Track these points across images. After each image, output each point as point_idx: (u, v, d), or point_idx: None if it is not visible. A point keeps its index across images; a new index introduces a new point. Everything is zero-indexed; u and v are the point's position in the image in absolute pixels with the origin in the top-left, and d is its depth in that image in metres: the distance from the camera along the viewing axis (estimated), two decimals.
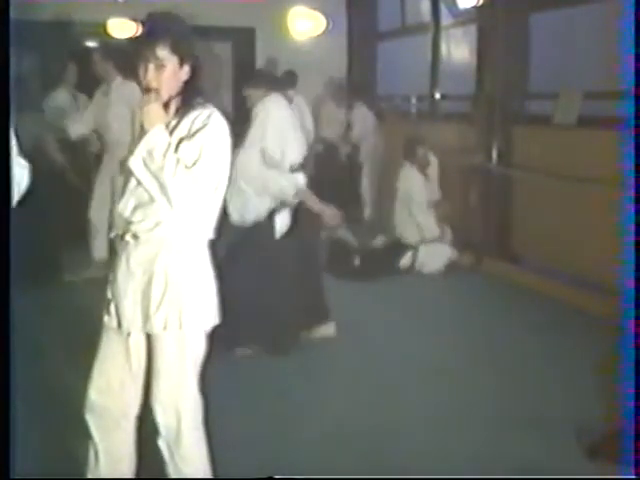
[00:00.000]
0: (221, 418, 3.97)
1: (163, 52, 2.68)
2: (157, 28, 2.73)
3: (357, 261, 7.30)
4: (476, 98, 7.94)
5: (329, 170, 9.95)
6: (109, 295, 2.84)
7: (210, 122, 2.70)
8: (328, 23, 10.45)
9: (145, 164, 2.64)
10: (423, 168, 7.57)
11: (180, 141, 2.69)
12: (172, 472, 2.87)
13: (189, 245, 2.77)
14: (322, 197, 10.27)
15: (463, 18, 8.37)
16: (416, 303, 6.41)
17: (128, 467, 2.97)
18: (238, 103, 10.13)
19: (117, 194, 2.89)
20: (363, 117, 9.69)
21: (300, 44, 10.44)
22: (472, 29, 8.10)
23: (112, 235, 2.87)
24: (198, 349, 2.83)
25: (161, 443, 2.85)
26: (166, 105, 2.73)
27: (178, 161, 2.62)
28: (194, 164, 2.64)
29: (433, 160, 7.67)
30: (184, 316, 2.74)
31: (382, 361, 5.01)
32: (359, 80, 10.02)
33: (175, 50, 2.70)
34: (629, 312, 3.18)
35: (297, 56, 10.23)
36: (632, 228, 3.29)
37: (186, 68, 2.74)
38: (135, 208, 2.76)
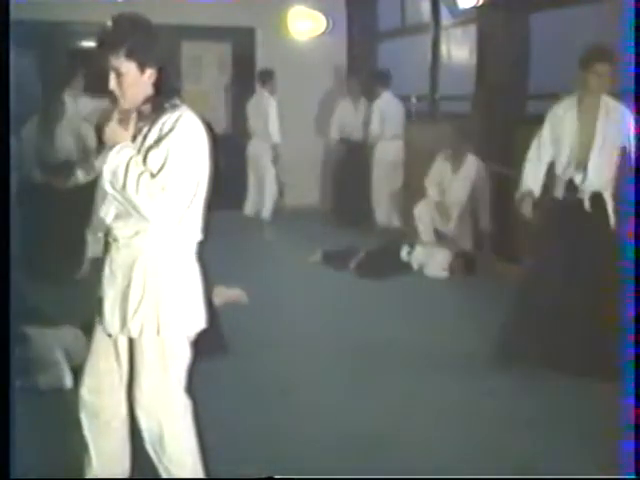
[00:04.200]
0: (221, 418, 3.98)
1: (118, 60, 2.62)
2: (109, 36, 2.67)
3: (356, 262, 7.32)
4: (476, 98, 7.94)
5: (338, 169, 9.87)
6: (99, 294, 2.83)
7: (177, 126, 2.64)
8: (328, 23, 10.45)
9: (112, 185, 2.62)
10: (455, 166, 7.51)
11: (148, 150, 2.64)
12: (163, 474, 2.87)
13: (171, 251, 2.74)
14: (334, 196, 10.09)
15: (463, 18, 8.37)
16: (416, 303, 6.41)
17: (121, 467, 2.96)
18: (238, 102, 10.20)
19: (100, 196, 2.86)
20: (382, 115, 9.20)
21: (300, 44, 10.45)
22: (472, 29, 8.09)
23: (99, 235, 2.85)
24: (181, 354, 2.80)
25: (148, 447, 2.84)
26: (135, 111, 2.68)
27: (141, 174, 2.57)
28: (160, 171, 2.59)
29: (472, 163, 7.50)
30: (162, 322, 2.71)
31: (382, 361, 5.02)
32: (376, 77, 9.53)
33: (131, 56, 2.62)
34: (629, 311, 3.18)
35: (297, 56, 10.24)
36: (632, 228, 3.29)
37: (149, 72, 2.67)
38: (116, 216, 2.73)
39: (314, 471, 3.38)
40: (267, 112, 8.71)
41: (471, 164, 7.51)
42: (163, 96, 2.71)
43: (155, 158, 2.62)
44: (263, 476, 3.08)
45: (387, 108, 9.15)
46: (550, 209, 4.79)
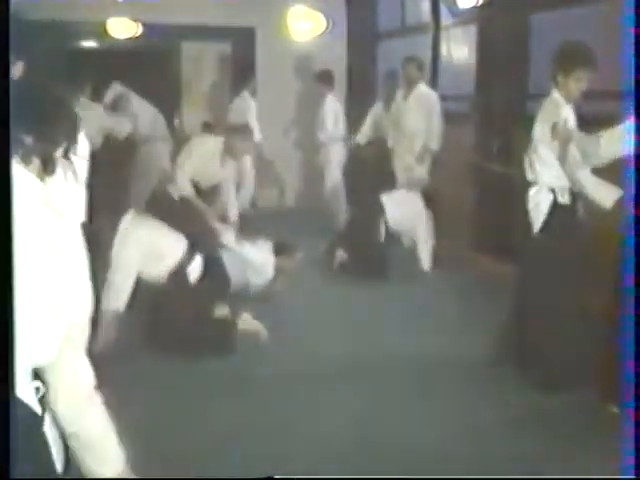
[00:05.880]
0: (221, 418, 3.98)
1: None
2: None
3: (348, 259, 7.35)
4: (476, 98, 7.95)
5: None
6: None
7: None
8: (328, 23, 10.45)
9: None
10: (407, 93, 7.92)
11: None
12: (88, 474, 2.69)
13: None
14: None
15: (463, 18, 8.37)
16: (415, 302, 6.41)
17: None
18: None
19: None
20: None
21: (300, 44, 10.45)
22: (472, 29, 8.10)
23: None
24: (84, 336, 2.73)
25: (80, 452, 2.62)
26: None
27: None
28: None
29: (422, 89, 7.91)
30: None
31: (382, 361, 5.02)
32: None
33: None
34: (629, 310, 3.18)
35: (297, 56, 10.24)
36: (632, 227, 3.29)
37: (19, 65, 2.72)
38: None
39: (314, 471, 3.38)
40: (247, 112, 8.78)
41: (422, 89, 7.89)
42: None
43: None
44: (263, 476, 3.08)
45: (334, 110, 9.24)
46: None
